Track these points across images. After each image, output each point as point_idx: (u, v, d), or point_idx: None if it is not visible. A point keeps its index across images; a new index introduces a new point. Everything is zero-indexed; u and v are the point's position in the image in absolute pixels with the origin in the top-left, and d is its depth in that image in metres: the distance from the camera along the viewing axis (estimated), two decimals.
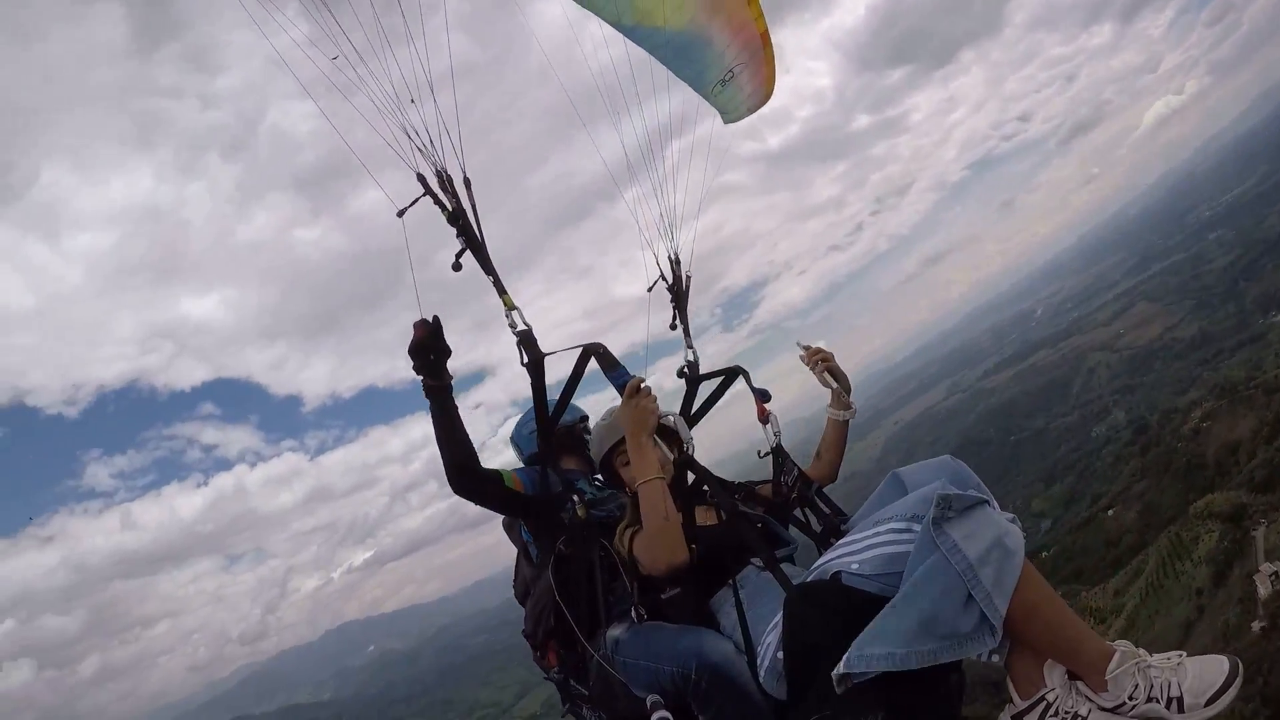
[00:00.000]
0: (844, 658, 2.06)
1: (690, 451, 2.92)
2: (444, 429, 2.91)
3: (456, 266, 3.03)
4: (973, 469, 2.37)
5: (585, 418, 3.73)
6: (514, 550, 3.55)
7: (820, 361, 3.29)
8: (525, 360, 2.98)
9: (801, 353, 3.39)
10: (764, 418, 3.35)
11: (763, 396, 3.37)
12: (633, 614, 2.79)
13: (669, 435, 3.00)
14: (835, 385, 3.28)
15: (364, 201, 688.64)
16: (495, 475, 3.09)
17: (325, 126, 2.91)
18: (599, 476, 3.46)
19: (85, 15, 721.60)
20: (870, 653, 2.02)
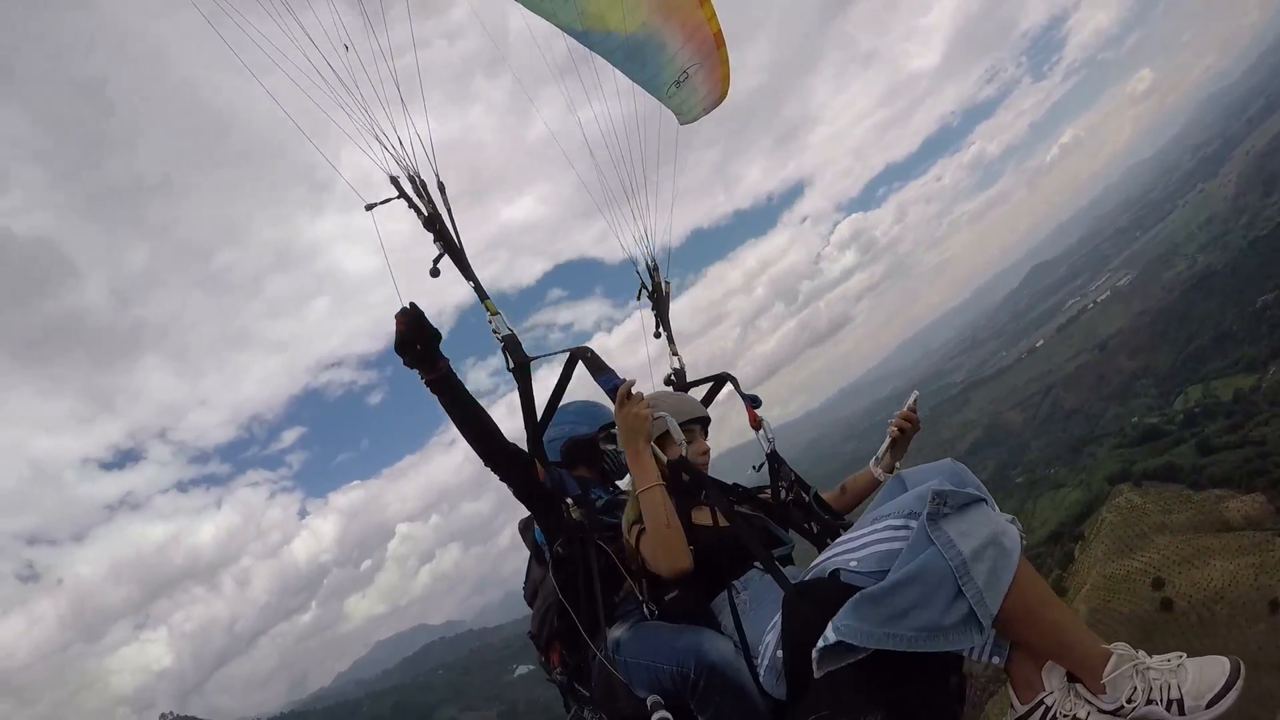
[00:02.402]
0: (823, 633, 2.01)
1: (685, 453, 2.88)
2: (457, 415, 2.85)
3: (434, 273, 2.99)
4: None
5: (604, 426, 3.45)
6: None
7: (898, 429, 3.17)
8: (510, 365, 2.95)
9: (908, 406, 3.20)
10: (755, 424, 3.21)
11: (753, 403, 3.24)
12: (644, 610, 2.75)
13: (663, 436, 2.88)
14: (885, 453, 3.19)
15: None
16: (528, 457, 3.00)
17: None
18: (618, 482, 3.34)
19: (302, 24, 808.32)
20: (845, 624, 1.98)
